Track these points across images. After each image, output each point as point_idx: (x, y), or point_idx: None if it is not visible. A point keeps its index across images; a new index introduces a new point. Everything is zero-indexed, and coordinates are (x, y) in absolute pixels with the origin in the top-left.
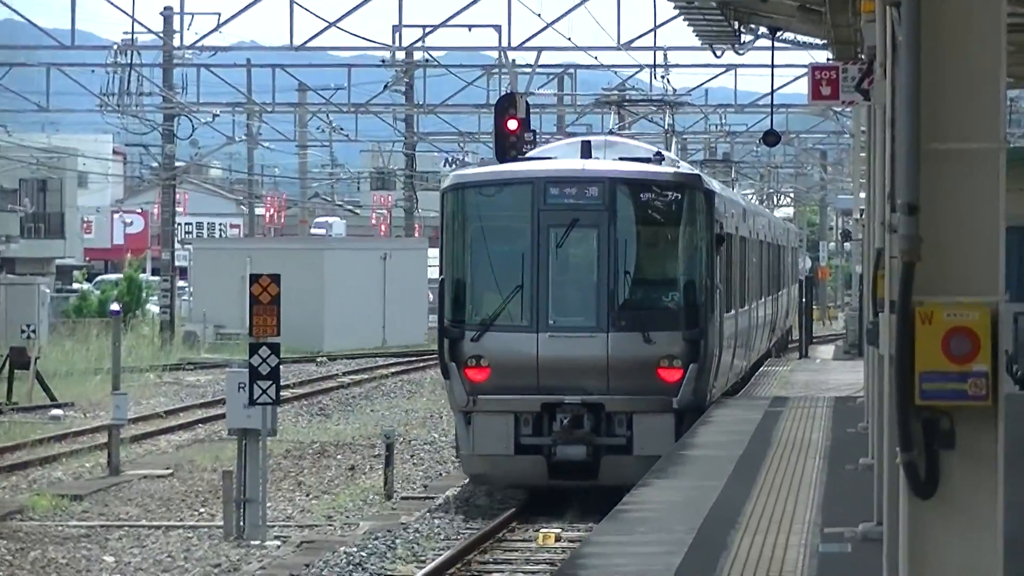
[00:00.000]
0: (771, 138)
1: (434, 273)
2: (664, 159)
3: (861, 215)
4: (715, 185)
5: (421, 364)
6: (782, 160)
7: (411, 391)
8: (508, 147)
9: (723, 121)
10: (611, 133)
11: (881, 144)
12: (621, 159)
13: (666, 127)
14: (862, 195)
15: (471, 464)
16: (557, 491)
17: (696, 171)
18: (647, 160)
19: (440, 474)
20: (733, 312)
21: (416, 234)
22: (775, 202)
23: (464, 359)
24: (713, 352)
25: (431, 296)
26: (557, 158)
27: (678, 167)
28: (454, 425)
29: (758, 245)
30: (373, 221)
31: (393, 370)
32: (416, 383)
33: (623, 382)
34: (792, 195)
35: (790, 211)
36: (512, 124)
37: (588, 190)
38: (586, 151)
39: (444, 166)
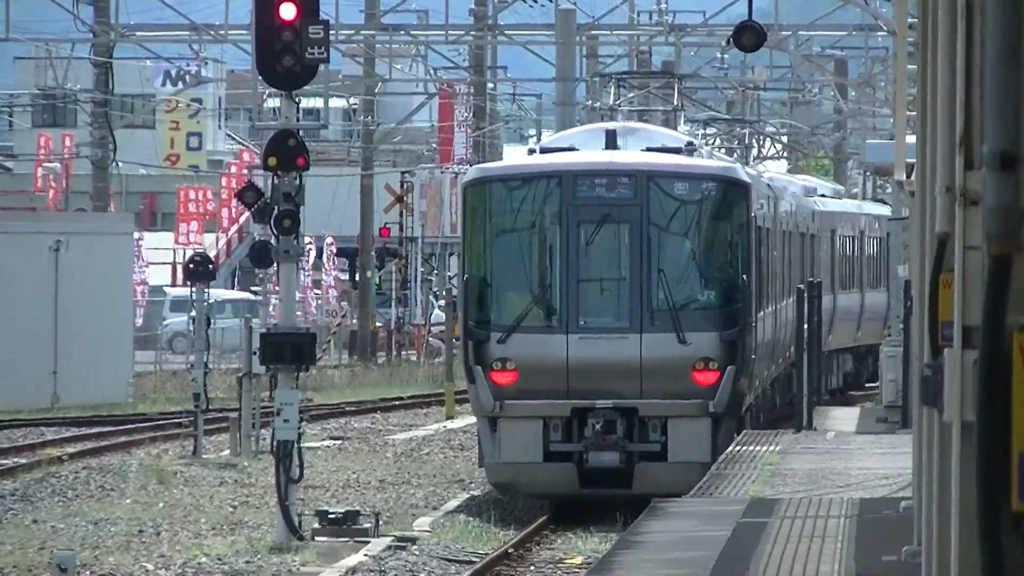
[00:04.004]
0: (749, 36)
1: (155, 275)
2: (696, 149)
3: (910, 175)
4: (752, 175)
5: (123, 438)
6: (767, 76)
7: (105, 487)
8: (280, 51)
9: (662, 5)
10: (612, 110)
11: (948, 48)
12: (649, 149)
13: (674, 104)
14: (911, 139)
15: (497, 472)
16: (585, 502)
17: (733, 162)
18: (677, 150)
19: None
20: (762, 313)
21: (113, 207)
22: (756, 150)
23: (489, 362)
24: (751, 354)
25: (156, 318)
26: (577, 148)
27: (712, 158)
28: (477, 431)
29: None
30: (38, 182)
31: (72, 449)
32: (116, 472)
33: (657, 385)
34: (785, 139)
35: (781, 166)
36: (287, 10)
37: (619, 183)
38: (611, 141)
39: (164, 84)
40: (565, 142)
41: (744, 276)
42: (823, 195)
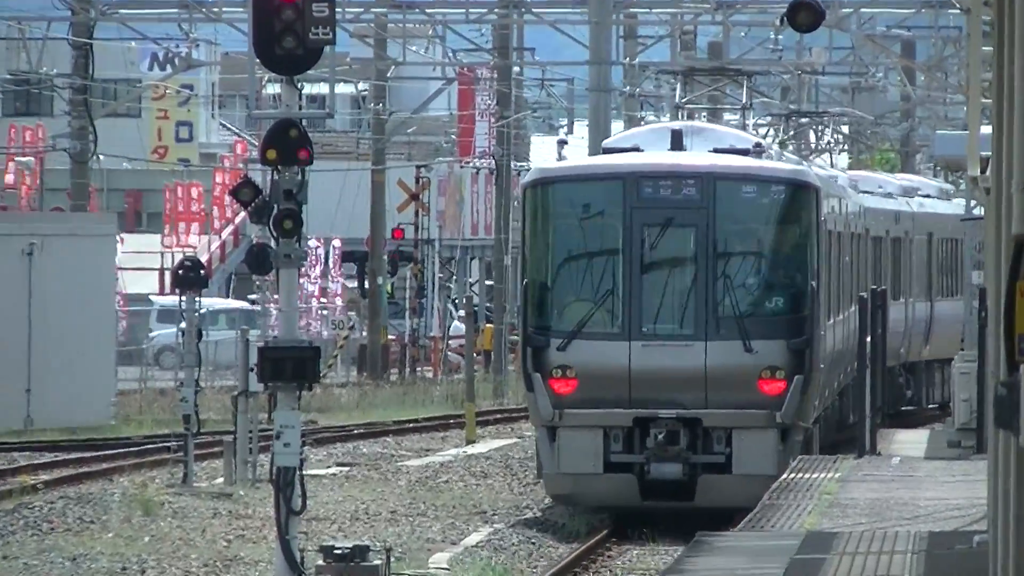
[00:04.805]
0: (805, 15)
1: (140, 282)
2: (764, 150)
3: (984, 170)
4: (822, 177)
5: (105, 464)
6: (826, 60)
7: (85, 519)
8: (281, 31)
9: None
10: (678, 108)
11: None
12: (716, 150)
13: (743, 102)
14: (986, 130)
15: (555, 484)
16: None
17: (800, 163)
18: (745, 152)
19: None
20: (832, 321)
21: (94, 205)
22: (813, 143)
23: (549, 369)
24: (820, 364)
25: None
26: (642, 148)
27: (781, 159)
28: (535, 441)
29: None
30: (10, 179)
31: (47, 477)
32: (96, 502)
33: (722, 395)
34: (846, 130)
35: (842, 160)
36: None
37: (685, 186)
38: (677, 141)
39: (151, 68)
40: (629, 142)
41: (813, 283)
42: (927, 195)
